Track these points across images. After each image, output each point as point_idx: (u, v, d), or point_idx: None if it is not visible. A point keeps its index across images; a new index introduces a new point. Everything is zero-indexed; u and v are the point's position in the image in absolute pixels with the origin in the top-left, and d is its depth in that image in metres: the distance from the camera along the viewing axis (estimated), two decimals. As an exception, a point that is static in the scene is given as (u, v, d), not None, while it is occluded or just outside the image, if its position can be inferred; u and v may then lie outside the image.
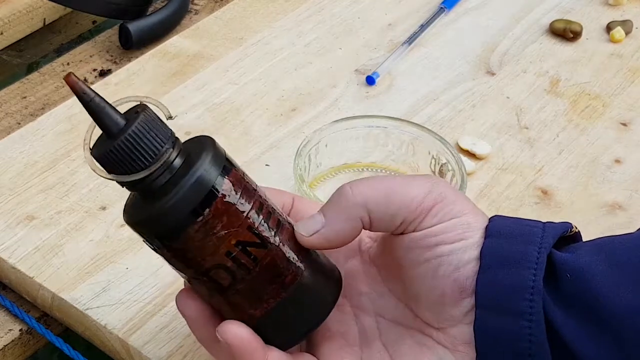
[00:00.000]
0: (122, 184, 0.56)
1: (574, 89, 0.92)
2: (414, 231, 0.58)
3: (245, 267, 0.56)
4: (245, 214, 0.56)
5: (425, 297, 0.59)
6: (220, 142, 0.85)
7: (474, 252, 0.57)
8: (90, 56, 0.97)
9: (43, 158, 0.82)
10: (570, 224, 0.60)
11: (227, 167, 0.57)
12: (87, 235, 0.76)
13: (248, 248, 0.56)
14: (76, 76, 0.54)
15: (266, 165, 0.82)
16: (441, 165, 0.79)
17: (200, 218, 0.55)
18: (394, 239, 0.60)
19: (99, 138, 0.56)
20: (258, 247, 0.56)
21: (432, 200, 0.58)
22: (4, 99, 0.91)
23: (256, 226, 0.56)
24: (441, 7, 1.00)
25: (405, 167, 0.81)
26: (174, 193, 0.55)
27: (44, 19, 1.02)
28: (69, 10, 1.03)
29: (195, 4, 1.04)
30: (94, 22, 1.06)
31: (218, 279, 0.57)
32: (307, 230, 0.59)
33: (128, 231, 0.76)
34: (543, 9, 1.02)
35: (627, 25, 0.99)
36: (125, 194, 0.79)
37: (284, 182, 0.81)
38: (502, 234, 0.58)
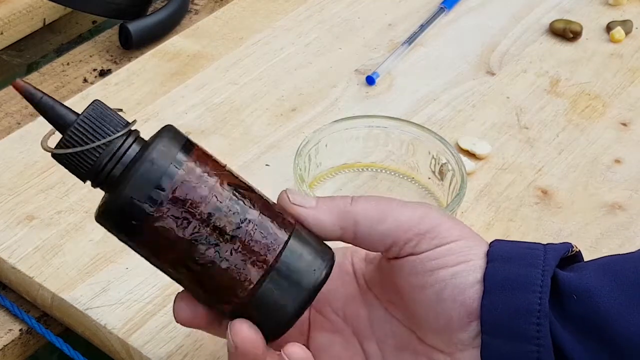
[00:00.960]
0: (83, 178, 0.55)
1: (574, 89, 0.92)
2: (411, 254, 0.57)
3: (217, 246, 0.54)
4: (208, 193, 0.54)
5: (431, 323, 0.58)
6: (220, 142, 0.85)
7: (478, 274, 0.57)
8: (90, 56, 0.97)
9: (43, 158, 0.82)
10: (571, 244, 0.60)
11: (186, 148, 0.55)
12: (87, 235, 0.76)
13: (218, 225, 0.54)
14: (23, 80, 0.55)
15: (266, 165, 0.82)
16: (441, 165, 0.79)
17: (160, 206, 0.53)
18: (391, 264, 0.59)
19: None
20: (229, 227, 0.55)
21: (428, 224, 0.57)
22: (4, 99, 0.91)
23: (223, 204, 0.54)
24: (441, 7, 1.00)
25: (405, 167, 0.81)
26: (128, 180, 0.54)
27: (44, 19, 1.02)
28: (69, 10, 1.03)
29: (195, 4, 1.04)
30: (94, 22, 1.06)
31: (190, 267, 0.55)
32: (295, 199, 0.58)
33: (128, 231, 0.77)
34: (543, 9, 1.02)
35: (627, 25, 0.99)
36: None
37: (284, 182, 0.81)
38: (504, 257, 0.57)
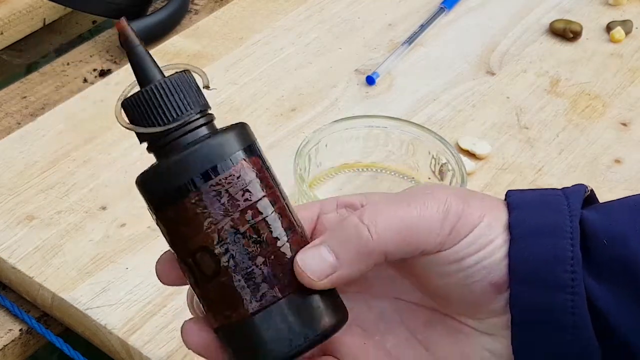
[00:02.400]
0: (140, 138, 0.54)
1: (574, 89, 0.92)
2: (434, 253, 0.54)
3: (234, 258, 0.52)
4: (250, 202, 0.52)
5: (456, 303, 0.55)
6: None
7: (503, 250, 0.53)
8: (90, 56, 0.97)
9: (43, 158, 0.82)
10: (585, 185, 0.56)
11: (249, 150, 0.53)
12: (87, 235, 0.76)
13: (244, 239, 0.52)
14: (128, 22, 0.53)
15: (266, 165, 0.82)
16: (441, 165, 0.79)
17: (199, 190, 0.52)
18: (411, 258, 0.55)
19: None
20: (254, 242, 0.52)
21: (450, 224, 0.53)
22: (4, 99, 0.91)
23: (258, 219, 0.52)
24: (441, 7, 1.00)
25: (405, 167, 0.81)
26: (180, 156, 0.52)
27: (44, 19, 1.02)
28: (69, 10, 1.03)
29: (195, 4, 1.04)
30: (94, 22, 1.06)
31: (202, 264, 0.52)
32: (317, 274, 0.51)
33: (128, 231, 0.77)
34: (543, 9, 1.02)
35: (627, 25, 0.99)
36: (123, 194, 0.79)
37: (284, 182, 0.80)
38: (525, 204, 0.54)
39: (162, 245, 0.78)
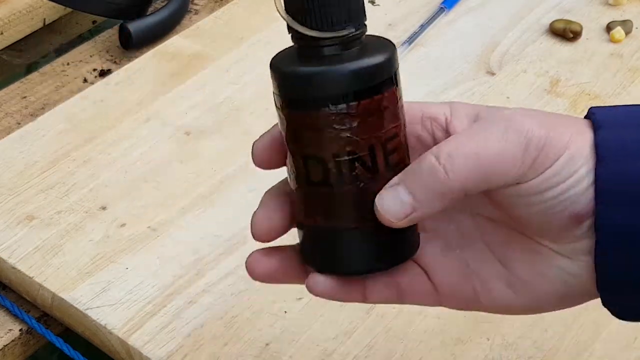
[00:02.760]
0: (291, 30, 0.54)
1: (574, 89, 0.92)
2: (514, 185, 0.52)
3: (342, 177, 0.53)
4: (380, 131, 0.52)
5: (536, 227, 0.54)
6: (220, 142, 0.85)
7: (589, 179, 0.51)
8: (90, 56, 0.97)
9: (43, 158, 0.82)
10: None
11: (392, 79, 0.54)
12: (87, 235, 0.76)
13: (357, 163, 0.52)
14: None
15: (266, 165, 0.82)
16: (441, 165, 0.79)
17: (338, 106, 0.52)
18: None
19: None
20: (367, 169, 0.53)
21: (532, 156, 0.52)
22: (4, 99, 0.91)
23: (378, 147, 0.53)
24: (441, 7, 1.00)
25: (405, 167, 0.81)
26: (330, 69, 0.52)
27: (44, 19, 1.02)
28: (69, 10, 1.03)
29: (195, 4, 1.04)
30: (94, 22, 1.06)
31: (310, 170, 0.53)
32: (395, 215, 0.52)
33: (128, 231, 0.77)
34: (543, 9, 1.02)
35: (627, 25, 0.99)
36: (123, 194, 0.79)
37: (284, 182, 0.81)
38: (611, 122, 0.52)
39: (162, 245, 0.78)
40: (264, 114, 0.88)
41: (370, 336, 0.70)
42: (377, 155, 0.53)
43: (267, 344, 0.69)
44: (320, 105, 0.52)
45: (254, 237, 0.56)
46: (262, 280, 0.57)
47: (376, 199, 0.53)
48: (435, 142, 0.55)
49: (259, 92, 0.90)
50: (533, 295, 0.55)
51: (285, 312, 0.71)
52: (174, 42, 0.96)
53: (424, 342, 0.70)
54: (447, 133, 0.55)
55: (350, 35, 0.53)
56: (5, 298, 0.74)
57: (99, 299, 0.71)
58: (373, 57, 0.53)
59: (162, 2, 1.02)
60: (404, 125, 0.54)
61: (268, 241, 0.56)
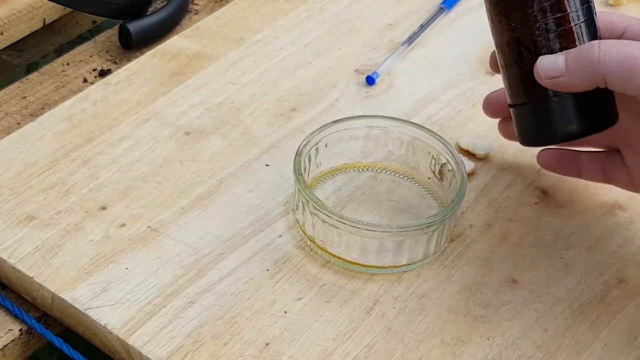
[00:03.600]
0: None
1: (574, 89, 0.92)
2: None
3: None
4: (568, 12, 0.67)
5: None
6: (220, 142, 0.85)
7: None
8: (90, 56, 0.97)
9: (43, 158, 0.82)
10: None
11: None
12: (87, 235, 0.76)
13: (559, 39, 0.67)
14: None
15: (266, 165, 0.82)
16: (441, 165, 0.79)
17: None
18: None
19: None
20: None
21: None
22: (4, 99, 0.91)
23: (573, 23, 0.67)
24: (441, 7, 1.00)
25: (405, 167, 0.81)
26: None
27: (44, 19, 1.02)
28: (69, 10, 1.03)
29: (195, 4, 1.04)
30: (94, 22, 1.06)
31: (521, 51, 0.68)
32: (547, 73, 0.66)
33: (128, 231, 0.77)
34: (543, 9, 1.02)
35: (627, 25, 0.99)
36: (123, 194, 0.79)
37: (284, 182, 0.81)
38: None
39: (162, 245, 0.78)
40: (264, 114, 0.88)
41: (370, 336, 0.70)
42: (577, 29, 0.67)
43: (267, 344, 0.69)
44: None
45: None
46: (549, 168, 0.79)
47: (539, 58, 0.66)
48: None
49: (259, 92, 0.90)
50: None
51: (285, 312, 0.71)
52: (174, 42, 0.96)
53: (424, 342, 0.70)
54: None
55: None
56: (5, 298, 0.74)
57: (98, 299, 0.71)
58: None
59: (162, 2, 1.02)
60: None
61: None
